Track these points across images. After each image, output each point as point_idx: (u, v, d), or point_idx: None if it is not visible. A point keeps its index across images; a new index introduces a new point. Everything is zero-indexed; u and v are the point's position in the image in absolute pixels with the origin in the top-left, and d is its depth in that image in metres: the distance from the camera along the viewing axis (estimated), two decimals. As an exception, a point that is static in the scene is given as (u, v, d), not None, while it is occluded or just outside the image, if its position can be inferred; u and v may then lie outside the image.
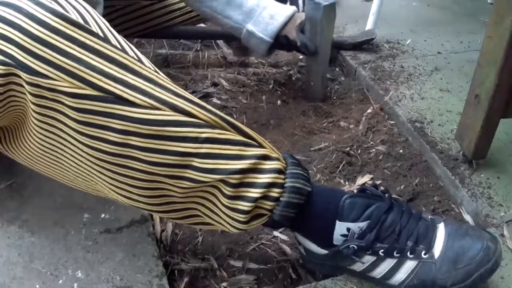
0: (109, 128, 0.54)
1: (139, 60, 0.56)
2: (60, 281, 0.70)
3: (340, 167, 0.99)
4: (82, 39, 0.52)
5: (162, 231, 0.82)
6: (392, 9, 1.51)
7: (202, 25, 1.32)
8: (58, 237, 0.76)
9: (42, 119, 0.56)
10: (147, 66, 0.56)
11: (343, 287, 0.72)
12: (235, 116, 1.13)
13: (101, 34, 0.54)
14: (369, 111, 1.13)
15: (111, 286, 0.70)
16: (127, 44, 0.57)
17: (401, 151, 1.03)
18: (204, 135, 0.57)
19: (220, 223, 0.65)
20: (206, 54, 1.34)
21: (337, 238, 0.67)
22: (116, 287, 0.70)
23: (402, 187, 0.95)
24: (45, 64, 0.52)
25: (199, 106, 0.58)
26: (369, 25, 1.34)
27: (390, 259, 0.67)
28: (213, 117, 0.58)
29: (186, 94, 0.58)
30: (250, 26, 1.05)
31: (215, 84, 1.23)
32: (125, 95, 0.53)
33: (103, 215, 0.79)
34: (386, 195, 0.69)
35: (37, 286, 0.69)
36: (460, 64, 1.26)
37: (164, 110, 0.55)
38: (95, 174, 0.60)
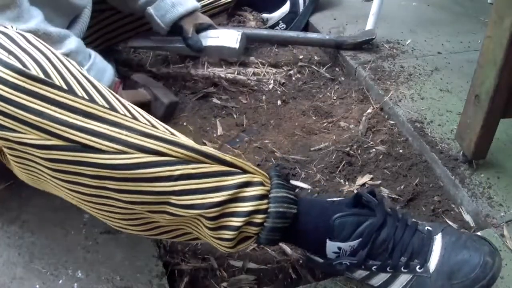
0: (83, 174, 0.55)
1: (110, 108, 0.56)
2: (60, 281, 0.70)
3: (340, 167, 0.99)
4: (42, 92, 0.53)
5: (162, 231, 0.82)
6: (392, 9, 1.51)
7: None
8: (58, 237, 0.76)
9: (21, 166, 0.58)
10: (117, 112, 0.56)
11: (343, 287, 0.72)
12: (235, 116, 1.13)
13: (64, 85, 0.54)
14: (369, 111, 1.13)
15: (111, 286, 0.70)
16: (99, 91, 0.57)
17: (401, 151, 1.03)
18: (177, 173, 0.57)
19: (210, 242, 0.65)
20: (206, 54, 1.34)
21: (329, 253, 0.67)
22: (116, 287, 0.70)
23: (402, 187, 0.95)
24: (10, 119, 0.52)
25: (170, 143, 0.57)
26: (369, 25, 1.34)
27: (383, 273, 0.67)
28: (186, 152, 0.57)
29: (159, 133, 0.57)
30: (151, 9, 1.08)
31: (215, 84, 1.23)
32: (91, 143, 0.54)
33: (103, 215, 0.79)
34: (379, 207, 0.68)
35: (37, 286, 0.69)
36: (460, 64, 1.26)
37: (132, 153, 0.55)
38: (81, 205, 0.61)
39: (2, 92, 0.52)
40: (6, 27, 0.58)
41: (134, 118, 0.57)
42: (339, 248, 0.66)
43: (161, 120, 1.05)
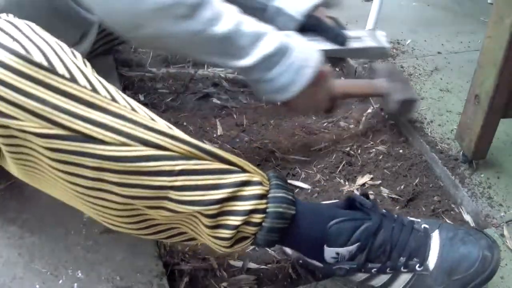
0: (83, 165, 0.54)
1: (112, 99, 0.55)
2: (60, 281, 0.70)
3: (340, 167, 0.99)
4: (46, 80, 0.52)
5: (162, 231, 0.82)
6: (392, 9, 1.51)
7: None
8: (58, 237, 0.76)
9: (16, 158, 0.57)
10: (119, 103, 0.56)
11: (343, 287, 0.72)
12: (235, 116, 1.13)
13: (67, 74, 0.53)
14: (369, 111, 1.13)
15: (111, 286, 0.70)
16: (101, 83, 0.56)
17: (401, 151, 1.03)
18: (178, 168, 0.56)
19: (206, 242, 0.65)
20: (206, 54, 1.34)
21: (328, 258, 0.67)
22: (116, 287, 0.70)
23: (402, 187, 0.95)
24: (12, 106, 0.51)
25: (172, 138, 0.56)
26: (369, 25, 1.34)
27: (383, 275, 0.67)
28: (187, 148, 0.57)
29: (160, 127, 0.57)
30: (277, 2, 0.97)
31: (215, 84, 1.23)
32: (93, 134, 0.53)
33: (103, 215, 0.79)
34: (374, 210, 0.68)
35: (37, 286, 0.69)
36: (460, 64, 1.27)
37: (135, 146, 0.54)
38: (76, 201, 0.60)
39: (6, 77, 0.51)
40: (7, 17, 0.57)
41: (134, 110, 0.56)
42: (337, 254, 0.66)
43: (393, 116, 0.98)
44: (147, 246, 0.76)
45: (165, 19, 0.70)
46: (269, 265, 0.80)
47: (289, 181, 0.96)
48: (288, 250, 0.81)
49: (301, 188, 0.95)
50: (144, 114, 0.57)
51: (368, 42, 1.05)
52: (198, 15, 0.66)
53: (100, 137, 0.53)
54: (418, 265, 0.66)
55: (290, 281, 0.78)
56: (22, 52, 0.52)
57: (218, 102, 1.18)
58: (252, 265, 0.79)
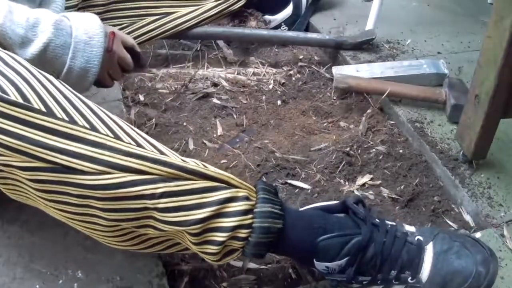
0: (67, 194, 0.56)
1: (91, 128, 0.56)
2: (60, 281, 0.70)
3: (340, 167, 0.99)
4: (22, 116, 0.53)
5: (162, 231, 0.82)
6: (392, 9, 1.51)
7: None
8: (58, 237, 0.76)
9: (6, 186, 0.59)
10: (99, 132, 0.56)
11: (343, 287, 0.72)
12: (235, 116, 1.13)
13: (43, 108, 0.54)
14: (369, 111, 1.13)
15: (111, 286, 0.70)
16: (79, 110, 0.57)
17: (401, 151, 1.03)
18: (159, 190, 0.57)
19: (198, 254, 0.65)
20: (206, 54, 1.34)
21: (319, 269, 0.67)
22: (116, 287, 0.70)
23: (402, 187, 0.95)
24: None
25: (152, 161, 0.57)
26: (369, 25, 1.33)
27: (375, 286, 0.67)
28: (168, 169, 0.57)
29: (141, 151, 0.57)
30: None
31: (215, 84, 1.23)
32: (72, 165, 0.54)
33: (103, 215, 0.79)
34: (365, 221, 0.67)
35: (37, 286, 0.69)
36: (460, 64, 1.26)
37: (114, 173, 0.55)
38: (71, 224, 0.62)
39: None
40: None
41: (117, 137, 0.57)
42: (327, 267, 0.66)
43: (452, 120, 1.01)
44: (147, 246, 0.76)
45: None
46: (269, 265, 0.80)
47: (289, 181, 0.96)
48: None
49: (301, 188, 0.95)
50: (128, 140, 0.57)
51: (428, 69, 1.18)
52: None
53: (79, 167, 0.54)
54: (410, 277, 0.66)
55: (290, 281, 0.78)
56: None
57: (218, 102, 1.18)
58: (252, 265, 0.79)
